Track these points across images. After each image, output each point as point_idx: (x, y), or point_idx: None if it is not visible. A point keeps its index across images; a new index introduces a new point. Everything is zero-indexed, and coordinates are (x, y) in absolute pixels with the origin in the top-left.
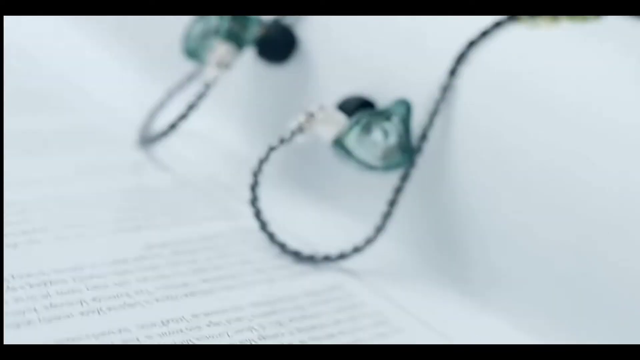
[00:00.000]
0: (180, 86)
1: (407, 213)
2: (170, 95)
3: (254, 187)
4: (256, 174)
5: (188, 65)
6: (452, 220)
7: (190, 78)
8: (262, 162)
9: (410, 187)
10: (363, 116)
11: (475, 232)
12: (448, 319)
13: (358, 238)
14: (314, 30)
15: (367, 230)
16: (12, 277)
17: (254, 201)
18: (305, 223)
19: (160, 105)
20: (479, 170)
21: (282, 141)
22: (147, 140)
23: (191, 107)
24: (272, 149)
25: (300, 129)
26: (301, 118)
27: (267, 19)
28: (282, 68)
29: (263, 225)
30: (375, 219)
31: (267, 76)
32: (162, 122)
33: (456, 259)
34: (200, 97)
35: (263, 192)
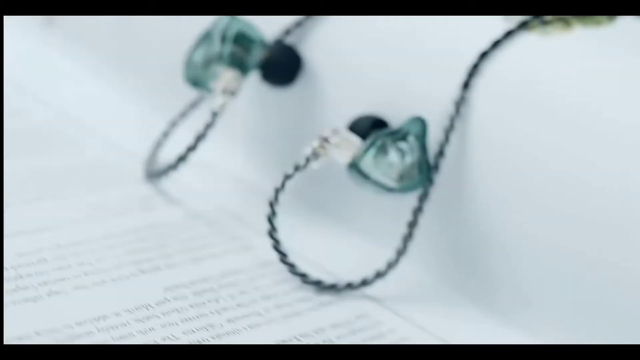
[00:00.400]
0: (183, 115)
1: (428, 233)
2: (173, 125)
3: (271, 218)
4: (272, 205)
5: (188, 93)
6: (474, 238)
7: (192, 106)
8: (278, 191)
9: (428, 206)
10: (378, 137)
11: (498, 248)
12: (478, 342)
13: (378, 262)
14: (319, 48)
15: (386, 253)
16: (37, 333)
17: (272, 232)
18: (323, 249)
19: (164, 137)
20: (498, 184)
21: (297, 168)
22: (155, 174)
23: (199, 138)
24: (287, 177)
25: (315, 155)
26: (315, 143)
27: (270, 39)
28: (288, 90)
29: (283, 257)
30: (393, 240)
31: (273, 100)
32: (167, 153)
33: (480, 278)
34: (209, 126)
35: (277, 219)
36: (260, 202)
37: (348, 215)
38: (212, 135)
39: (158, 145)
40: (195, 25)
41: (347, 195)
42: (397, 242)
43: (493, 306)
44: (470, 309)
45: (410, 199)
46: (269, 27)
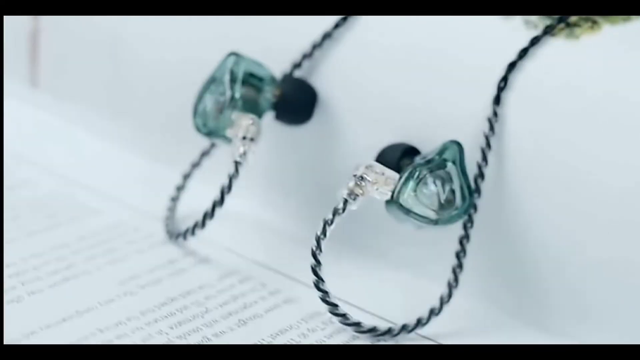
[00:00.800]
0: (196, 166)
1: (474, 261)
2: (186, 177)
3: (315, 269)
4: (315, 255)
5: (193, 141)
6: (522, 259)
7: (204, 155)
8: (319, 240)
9: (473, 232)
10: (415, 169)
11: (548, 266)
12: None
13: (423, 296)
14: (332, 78)
15: (429, 285)
16: None
17: (318, 284)
18: (363, 290)
19: (179, 191)
20: (542, 200)
21: (336, 213)
22: (180, 234)
23: (225, 191)
24: (327, 223)
25: (352, 196)
26: (350, 183)
27: (280, 74)
28: (305, 127)
29: (333, 309)
30: (434, 271)
31: (290, 139)
32: (184, 206)
33: (535, 299)
34: (233, 178)
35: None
36: (290, 248)
37: (383, 251)
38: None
39: (175, 201)
40: (190, 68)
41: (379, 229)
42: (438, 273)
43: (552, 326)
44: (528, 333)
45: (448, 227)
46: (273, 61)
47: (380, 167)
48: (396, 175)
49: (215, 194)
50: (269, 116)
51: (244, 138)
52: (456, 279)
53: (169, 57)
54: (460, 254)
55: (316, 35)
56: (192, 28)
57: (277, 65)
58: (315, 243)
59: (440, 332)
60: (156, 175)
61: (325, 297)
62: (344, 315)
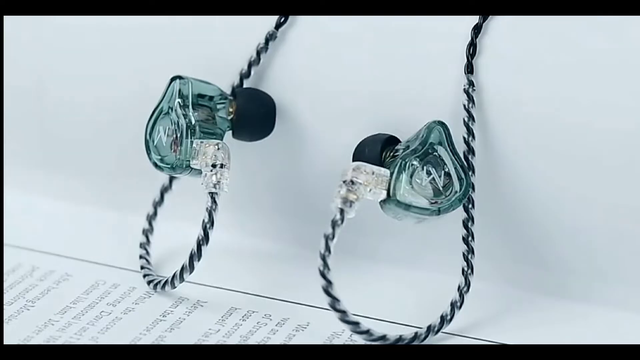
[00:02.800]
0: (159, 204)
1: (479, 242)
2: (151, 218)
3: (327, 289)
4: (325, 274)
5: (149, 178)
6: (532, 229)
7: (165, 190)
8: (325, 257)
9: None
10: (404, 160)
11: (557, 229)
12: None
13: (439, 290)
14: (285, 81)
15: (439, 278)
16: None
17: (334, 305)
18: (375, 297)
19: (149, 234)
20: (538, 162)
21: (335, 225)
22: (166, 282)
23: (207, 225)
24: (329, 238)
25: (346, 203)
26: (342, 191)
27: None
28: (270, 140)
29: (355, 328)
30: (434, 261)
31: (255, 156)
32: (159, 251)
33: (551, 266)
34: (212, 211)
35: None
36: (279, 270)
37: (374, 251)
38: (197, 213)
39: (145, 246)
40: (127, 101)
41: (364, 228)
42: (438, 263)
43: (572, 292)
44: (551, 303)
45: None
46: (218, 76)
47: (368, 167)
48: (386, 172)
49: (197, 231)
50: (227, 136)
51: (214, 166)
52: (470, 265)
53: (100, 93)
54: (468, 239)
55: (258, 39)
56: (120, 58)
57: (222, 80)
58: (321, 262)
59: (467, 325)
60: (117, 224)
61: (344, 317)
62: (367, 332)
